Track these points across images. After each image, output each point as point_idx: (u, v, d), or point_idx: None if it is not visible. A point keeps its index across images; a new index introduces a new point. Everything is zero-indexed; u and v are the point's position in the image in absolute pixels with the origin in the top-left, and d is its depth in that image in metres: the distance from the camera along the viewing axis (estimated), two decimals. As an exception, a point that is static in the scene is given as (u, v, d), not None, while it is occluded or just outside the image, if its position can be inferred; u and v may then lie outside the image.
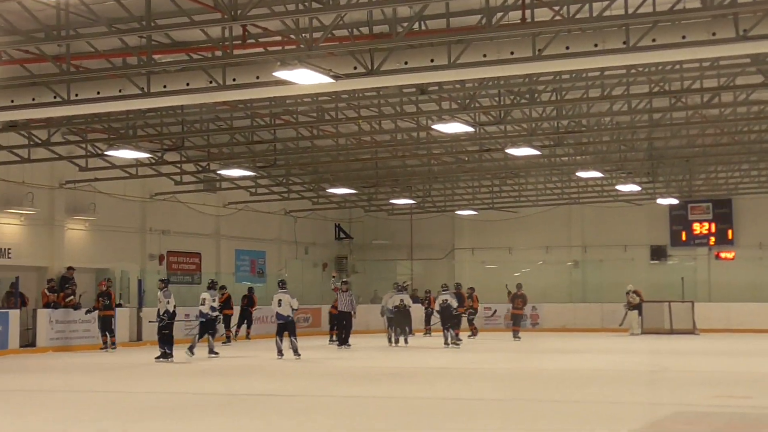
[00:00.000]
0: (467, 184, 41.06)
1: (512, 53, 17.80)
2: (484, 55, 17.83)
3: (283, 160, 34.27)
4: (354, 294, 32.34)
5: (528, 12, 17.09)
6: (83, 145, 30.31)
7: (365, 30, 18.76)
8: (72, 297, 31.07)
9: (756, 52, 19.75)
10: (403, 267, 48.07)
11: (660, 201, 41.76)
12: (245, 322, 35.99)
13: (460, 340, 31.14)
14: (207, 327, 26.75)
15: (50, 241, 32.55)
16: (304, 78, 18.04)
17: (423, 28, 18.28)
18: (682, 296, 40.30)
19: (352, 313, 31.06)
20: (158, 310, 25.77)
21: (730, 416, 12.99)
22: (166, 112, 26.79)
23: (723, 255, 43.88)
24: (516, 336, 34.64)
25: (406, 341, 32.17)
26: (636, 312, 37.23)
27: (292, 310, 25.78)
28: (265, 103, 25.86)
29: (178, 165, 33.52)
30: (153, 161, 32.38)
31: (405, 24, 17.30)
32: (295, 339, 25.71)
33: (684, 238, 44.35)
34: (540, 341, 32.68)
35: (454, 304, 31.06)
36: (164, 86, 19.87)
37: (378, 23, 18.47)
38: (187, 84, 19.80)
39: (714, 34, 16.54)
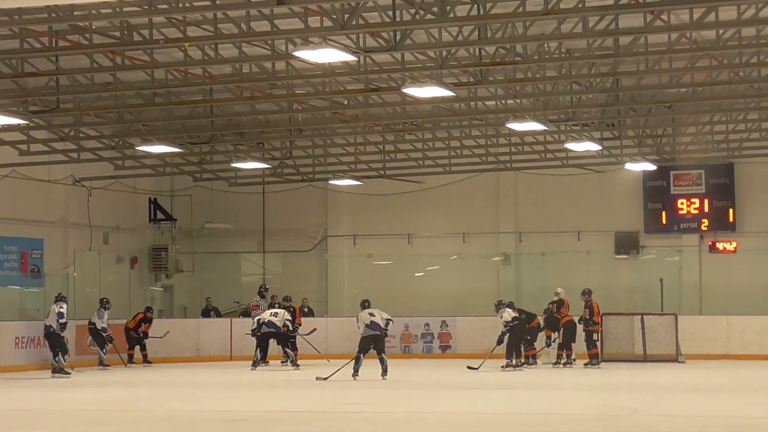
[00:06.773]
0: (346, 141, 41.11)
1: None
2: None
3: (70, 102, 33.89)
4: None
5: None
6: None
7: None
8: None
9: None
10: (252, 263, 48.06)
11: (629, 166, 42.26)
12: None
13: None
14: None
15: None
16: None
17: None
18: (661, 306, 40.81)
19: None
20: None
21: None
22: None
23: (721, 246, 44.52)
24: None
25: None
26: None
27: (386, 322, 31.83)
28: (43, 15, 25.46)
29: None
30: None
31: None
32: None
33: (664, 221, 44.95)
34: (455, 371, 32.88)
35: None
36: None
37: None
38: None
39: None
